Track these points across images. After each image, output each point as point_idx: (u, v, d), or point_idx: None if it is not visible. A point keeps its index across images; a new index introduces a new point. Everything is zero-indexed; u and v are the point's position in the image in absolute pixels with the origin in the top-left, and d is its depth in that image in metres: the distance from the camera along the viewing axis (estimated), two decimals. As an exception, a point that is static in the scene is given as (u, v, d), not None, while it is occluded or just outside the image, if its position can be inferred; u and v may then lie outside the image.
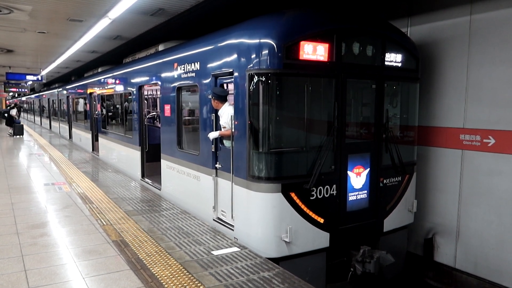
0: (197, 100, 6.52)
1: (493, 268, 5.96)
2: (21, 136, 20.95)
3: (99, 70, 14.10)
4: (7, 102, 43.91)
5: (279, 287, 4.12)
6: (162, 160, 8.01)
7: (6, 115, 21.79)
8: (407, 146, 6.43)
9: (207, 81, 6.16)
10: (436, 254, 6.75)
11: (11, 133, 21.22)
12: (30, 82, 26.20)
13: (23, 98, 44.33)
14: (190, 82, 6.71)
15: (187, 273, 4.41)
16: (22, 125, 22.13)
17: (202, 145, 6.41)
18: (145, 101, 9.86)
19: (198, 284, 4.16)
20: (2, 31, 10.63)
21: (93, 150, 14.60)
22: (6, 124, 22.49)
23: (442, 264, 6.65)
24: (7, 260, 4.79)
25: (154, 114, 12.18)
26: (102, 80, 12.83)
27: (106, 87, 12.52)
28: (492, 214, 5.94)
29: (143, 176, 9.40)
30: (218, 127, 6.05)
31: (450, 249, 6.54)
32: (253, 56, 5.07)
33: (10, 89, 27.19)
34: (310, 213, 5.28)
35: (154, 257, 4.86)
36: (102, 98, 13.28)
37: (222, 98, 5.89)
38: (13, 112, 22.60)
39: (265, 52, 4.95)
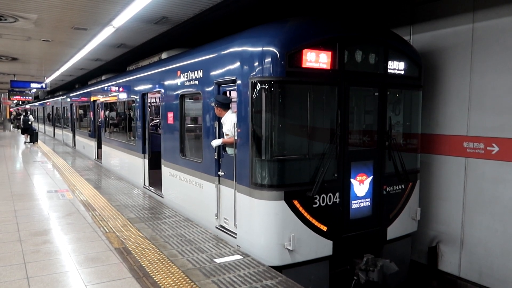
0: (200, 107, 6.55)
1: (498, 277, 5.91)
2: (36, 143, 21.03)
3: (103, 78, 14.19)
4: (10, 109, 44.15)
5: (282, 295, 4.10)
6: (164, 168, 8.02)
7: (29, 123, 21.76)
8: (410, 153, 6.41)
9: (210, 88, 6.18)
10: (440, 263, 6.70)
11: (27, 141, 21.25)
12: (34, 90, 26.38)
13: (27, 106, 44.62)
14: (193, 89, 6.74)
15: (189, 281, 4.39)
16: (37, 132, 22.24)
17: (205, 152, 6.42)
18: (149, 109, 9.88)
19: (201, 292, 4.14)
20: (7, 40, 10.74)
21: (96, 157, 14.63)
22: (23, 133, 22.53)
23: (446, 272, 6.59)
24: (10, 268, 4.79)
25: (157, 122, 12.21)
26: (106, 88, 12.91)
27: (109, 95, 12.58)
28: (497, 222, 5.90)
29: (145, 183, 9.40)
30: (221, 135, 6.06)
31: (455, 257, 6.49)
32: (256, 64, 5.09)
33: (14, 97, 27.36)
34: (313, 221, 5.26)
35: (156, 265, 4.84)
36: (106, 105, 13.35)
37: (225, 106, 5.91)
38: (32, 118, 22.72)
39: (268, 60, 4.97)
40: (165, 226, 6.44)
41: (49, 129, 29.67)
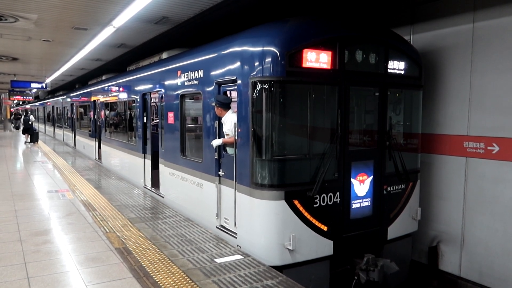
0: (201, 107, 6.55)
1: (499, 276, 5.91)
2: (36, 142, 21.00)
3: (103, 78, 14.19)
4: (11, 110, 44.14)
5: (282, 295, 4.10)
6: (165, 168, 8.01)
7: (30, 123, 21.69)
8: (410, 153, 6.40)
9: (211, 88, 6.18)
10: (441, 263, 6.70)
11: (28, 141, 21.22)
12: (34, 90, 26.38)
13: (27, 106, 44.66)
14: (194, 89, 6.74)
15: (190, 281, 4.39)
16: (38, 132, 22.22)
17: (205, 152, 6.42)
18: (151, 109, 9.89)
19: (201, 292, 4.14)
20: (7, 40, 10.74)
21: (98, 157, 14.62)
22: (23, 132, 22.50)
23: (447, 272, 6.59)
24: (10, 268, 4.79)
25: (158, 122, 12.19)
26: (106, 88, 12.91)
27: (110, 95, 12.59)
28: (497, 222, 5.89)
29: (145, 183, 9.40)
30: (221, 135, 6.06)
31: (455, 257, 6.49)
32: (256, 63, 5.09)
33: (14, 97, 27.37)
34: (314, 221, 5.25)
35: (157, 265, 4.84)
36: (106, 105, 13.35)
37: (226, 106, 5.91)
38: (32, 118, 22.69)
39: (268, 59, 4.97)
40: (165, 226, 6.44)
41: (49, 129, 29.68)
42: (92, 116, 14.92)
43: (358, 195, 5.69)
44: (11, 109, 44.86)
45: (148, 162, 9.24)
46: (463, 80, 6.22)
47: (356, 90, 5.77)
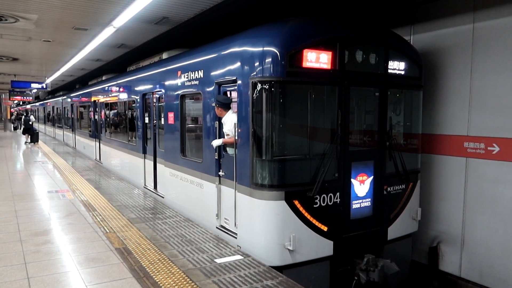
0: (201, 108, 6.55)
1: (499, 277, 5.90)
2: (37, 143, 21.00)
3: (103, 78, 14.20)
4: (11, 110, 44.15)
5: (282, 295, 4.10)
6: (165, 168, 8.01)
7: (30, 123, 21.66)
8: (410, 153, 6.40)
9: (211, 89, 6.18)
10: (441, 263, 6.70)
11: (28, 141, 21.21)
12: (35, 90, 26.41)
13: (28, 106, 44.68)
14: (194, 90, 6.74)
15: (190, 281, 4.39)
16: (38, 132, 22.22)
17: (205, 152, 6.42)
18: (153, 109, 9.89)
19: (201, 293, 4.14)
20: (8, 40, 10.75)
21: (97, 158, 14.62)
22: (23, 133, 22.51)
23: (447, 273, 6.59)
24: (10, 268, 4.79)
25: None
26: (106, 88, 12.92)
27: (110, 95, 12.59)
28: (498, 222, 5.89)
29: (145, 183, 9.40)
30: (221, 135, 6.06)
31: (455, 257, 6.48)
32: (257, 64, 5.09)
33: (15, 97, 27.39)
34: (314, 221, 5.25)
35: (157, 265, 4.84)
36: (106, 106, 13.35)
37: (226, 106, 5.91)
38: (33, 118, 22.71)
39: (269, 60, 4.97)
40: (165, 226, 6.44)
41: (49, 129, 29.69)
42: (92, 117, 14.92)
43: (358, 195, 5.69)
44: (12, 110, 44.87)
45: (149, 162, 9.24)
46: (463, 80, 6.22)
47: (356, 90, 5.78)
